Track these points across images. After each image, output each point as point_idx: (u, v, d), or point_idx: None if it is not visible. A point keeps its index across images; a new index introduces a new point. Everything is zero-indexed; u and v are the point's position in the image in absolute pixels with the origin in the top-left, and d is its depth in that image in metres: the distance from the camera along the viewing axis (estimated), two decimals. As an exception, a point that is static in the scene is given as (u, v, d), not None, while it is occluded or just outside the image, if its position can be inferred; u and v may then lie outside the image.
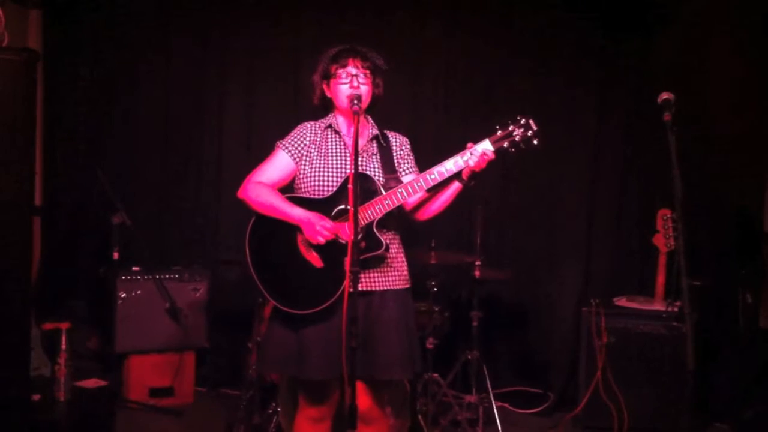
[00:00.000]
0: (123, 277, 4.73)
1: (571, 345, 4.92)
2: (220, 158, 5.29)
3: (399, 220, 3.03)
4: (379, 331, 2.89)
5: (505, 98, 5.06)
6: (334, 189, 2.90)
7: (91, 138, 5.24)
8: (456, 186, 2.90)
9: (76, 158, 5.20)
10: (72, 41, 5.23)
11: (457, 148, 2.83)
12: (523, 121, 2.78)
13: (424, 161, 3.06)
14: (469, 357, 4.39)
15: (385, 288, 2.94)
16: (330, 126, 3.03)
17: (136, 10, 5.20)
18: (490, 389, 4.40)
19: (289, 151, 3.01)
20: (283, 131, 3.10)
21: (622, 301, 4.59)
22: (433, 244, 4.29)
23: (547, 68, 5.09)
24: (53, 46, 5.21)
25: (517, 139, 2.77)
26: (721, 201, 4.80)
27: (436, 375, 4.33)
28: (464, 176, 2.84)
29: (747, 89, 4.75)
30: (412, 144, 3.15)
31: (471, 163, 2.77)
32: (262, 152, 3.14)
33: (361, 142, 2.98)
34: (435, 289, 4.32)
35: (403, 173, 3.03)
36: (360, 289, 2.72)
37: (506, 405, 4.95)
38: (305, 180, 2.97)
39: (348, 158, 2.95)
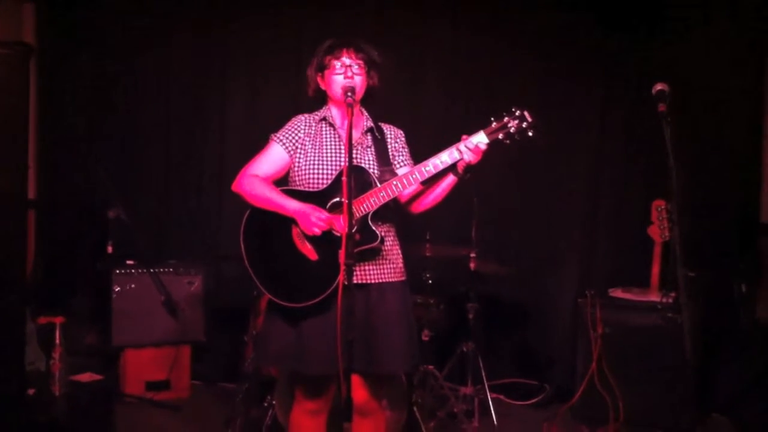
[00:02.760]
0: (118, 271, 4.72)
1: (567, 336, 4.93)
2: (221, 153, 5.29)
3: (394, 212, 3.03)
4: (376, 324, 2.88)
5: (506, 94, 5.03)
6: (329, 182, 2.90)
7: (91, 133, 5.23)
8: (451, 179, 2.90)
9: (75, 153, 5.18)
10: (73, 36, 5.22)
11: (456, 140, 2.82)
12: (518, 113, 2.77)
13: (425, 155, 3.05)
14: (465, 349, 4.40)
15: (381, 281, 2.94)
16: (324, 118, 3.02)
17: (138, 5, 5.18)
18: (485, 381, 4.41)
19: (284, 144, 3.00)
20: (282, 124, 3.09)
21: (617, 293, 4.59)
22: (428, 237, 4.29)
23: (548, 63, 5.07)
24: (54, 40, 5.19)
25: (512, 130, 2.77)
26: (718, 193, 4.80)
27: (431, 367, 4.33)
28: (459, 169, 2.84)
29: (745, 84, 4.75)
30: (412, 138, 3.14)
31: (466, 156, 2.76)
32: (260, 145, 3.12)
33: (356, 134, 2.97)
34: (430, 281, 4.33)
35: (398, 166, 3.02)
36: (355, 282, 2.73)
37: (502, 397, 4.95)
38: (300, 173, 2.96)
39: (342, 151, 2.95)
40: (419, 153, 3.12)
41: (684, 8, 4.80)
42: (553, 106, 4.96)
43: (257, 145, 4.90)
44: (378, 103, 3.08)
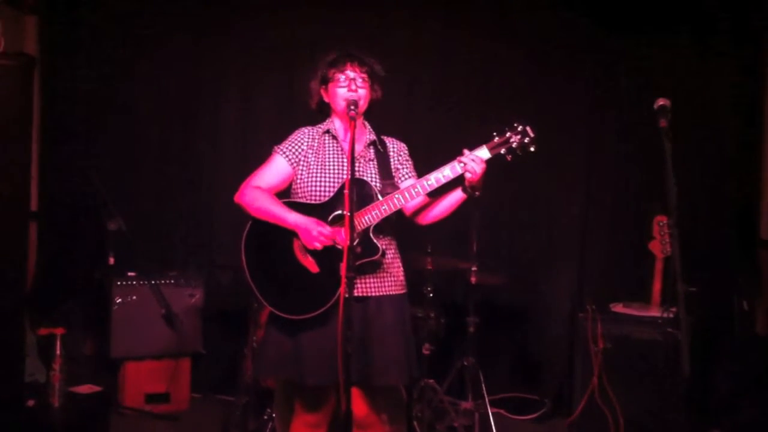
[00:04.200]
0: (119, 283, 4.71)
1: (567, 351, 4.91)
2: (216, 161, 5.29)
3: (396, 225, 3.03)
4: (375, 337, 2.89)
5: (502, 99, 5.03)
6: (331, 194, 2.90)
7: (85, 143, 5.24)
8: (460, 195, 2.90)
9: (74, 162, 5.19)
10: (70, 43, 5.24)
11: (453, 148, 2.83)
12: (520, 128, 2.78)
13: (420, 162, 3.07)
14: (465, 363, 4.39)
15: (381, 294, 2.94)
16: (328, 131, 3.03)
17: (134, 12, 5.21)
18: (486, 395, 4.39)
19: (287, 156, 3.01)
20: (279, 133, 3.11)
21: (618, 308, 4.58)
22: (429, 250, 4.29)
23: (543, 69, 5.06)
24: (51, 48, 5.21)
25: (514, 145, 2.78)
26: (719, 207, 4.81)
27: (432, 381, 4.32)
28: (468, 186, 2.84)
29: (743, 93, 4.76)
30: (407, 141, 3.15)
31: (468, 168, 2.77)
32: (258, 155, 3.14)
33: (359, 147, 2.98)
34: (431, 294, 4.32)
35: (402, 179, 3.03)
36: (356, 294, 2.73)
37: (502, 411, 4.93)
38: (302, 185, 2.97)
39: (345, 163, 2.96)
40: (415, 156, 3.15)
41: (681, 11, 4.80)
42: (548, 112, 4.95)
43: (251, 149, 4.93)
44: (378, 113, 3.10)
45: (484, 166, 2.78)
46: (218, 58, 5.29)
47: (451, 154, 2.83)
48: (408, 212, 3.03)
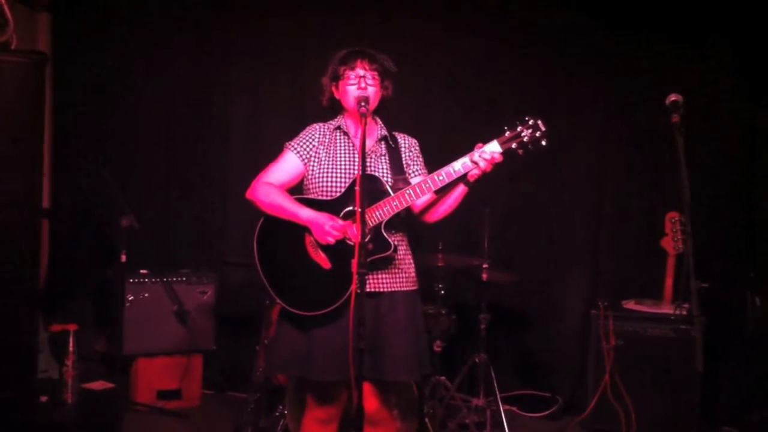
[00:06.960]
0: (131, 280, 4.73)
1: (578, 348, 4.89)
2: (226, 158, 5.31)
3: (407, 221, 3.03)
4: (387, 333, 2.88)
5: (510, 99, 5.03)
6: (343, 190, 2.90)
7: (96, 140, 5.27)
8: (462, 189, 2.89)
9: (82, 160, 5.21)
10: (75, 42, 5.27)
11: (462, 148, 2.82)
12: (531, 122, 2.77)
13: (429, 162, 3.06)
14: (477, 360, 4.39)
15: (393, 289, 2.94)
16: (339, 127, 3.03)
17: (140, 10, 5.23)
18: (497, 392, 4.39)
19: (298, 152, 3.01)
20: (290, 131, 3.11)
21: (630, 304, 4.56)
22: (440, 247, 4.29)
23: (552, 68, 5.05)
24: (57, 47, 5.24)
25: (525, 140, 2.76)
26: (730, 203, 4.78)
27: (443, 378, 4.32)
28: (470, 179, 2.83)
29: (747, 91, 4.74)
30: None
31: (480, 164, 2.76)
32: (269, 152, 3.14)
33: (370, 143, 2.98)
34: (442, 291, 4.32)
35: (412, 174, 3.03)
36: (368, 290, 2.72)
37: (514, 408, 4.93)
38: (314, 181, 2.97)
39: (356, 159, 2.95)
40: (424, 159, 3.13)
41: (682, 11, 4.78)
42: (557, 111, 4.91)
43: (261, 146, 4.93)
44: (388, 111, 3.10)
45: (497, 161, 2.77)
46: (228, 54, 5.31)
47: (457, 156, 2.81)
48: (416, 210, 3.02)
